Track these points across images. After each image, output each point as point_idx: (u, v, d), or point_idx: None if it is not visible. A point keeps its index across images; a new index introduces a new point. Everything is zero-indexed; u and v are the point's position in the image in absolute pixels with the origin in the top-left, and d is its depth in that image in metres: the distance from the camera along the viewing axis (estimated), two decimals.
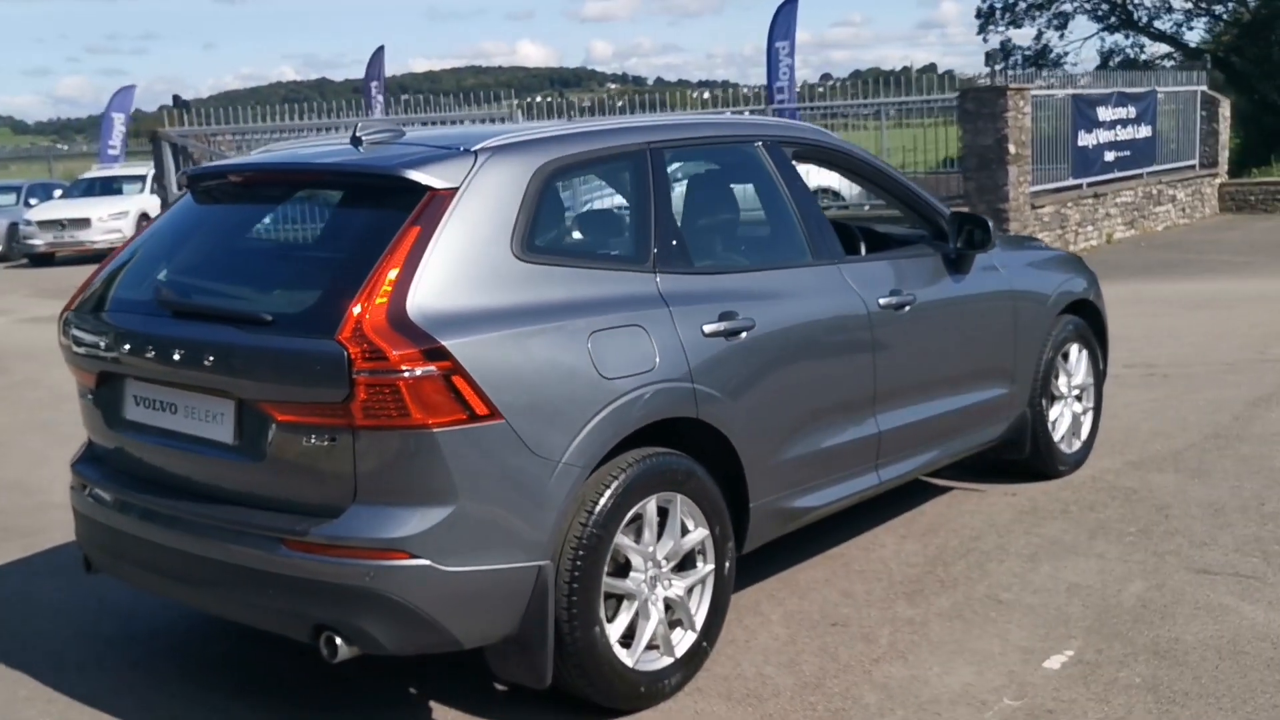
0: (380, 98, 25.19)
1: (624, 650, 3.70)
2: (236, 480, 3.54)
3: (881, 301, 4.68)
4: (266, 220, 4.07)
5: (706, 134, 4.50)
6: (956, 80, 18.49)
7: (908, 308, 4.77)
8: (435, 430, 3.26)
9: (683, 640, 3.87)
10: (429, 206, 3.46)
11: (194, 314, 3.67)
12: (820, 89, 19.17)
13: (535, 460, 3.43)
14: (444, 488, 3.30)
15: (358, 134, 3.94)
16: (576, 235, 3.85)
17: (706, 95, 16.30)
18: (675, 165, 4.25)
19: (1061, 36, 30.60)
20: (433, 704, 3.92)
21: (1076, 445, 6.00)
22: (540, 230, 3.67)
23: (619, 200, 4.20)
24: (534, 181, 3.69)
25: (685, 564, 3.92)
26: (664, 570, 3.81)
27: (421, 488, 3.30)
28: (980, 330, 5.25)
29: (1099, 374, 6.14)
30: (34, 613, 4.86)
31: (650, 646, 3.79)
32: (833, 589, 4.67)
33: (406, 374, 3.22)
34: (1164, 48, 27.56)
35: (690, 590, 3.90)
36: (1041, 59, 28.07)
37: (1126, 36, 28.84)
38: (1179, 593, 4.45)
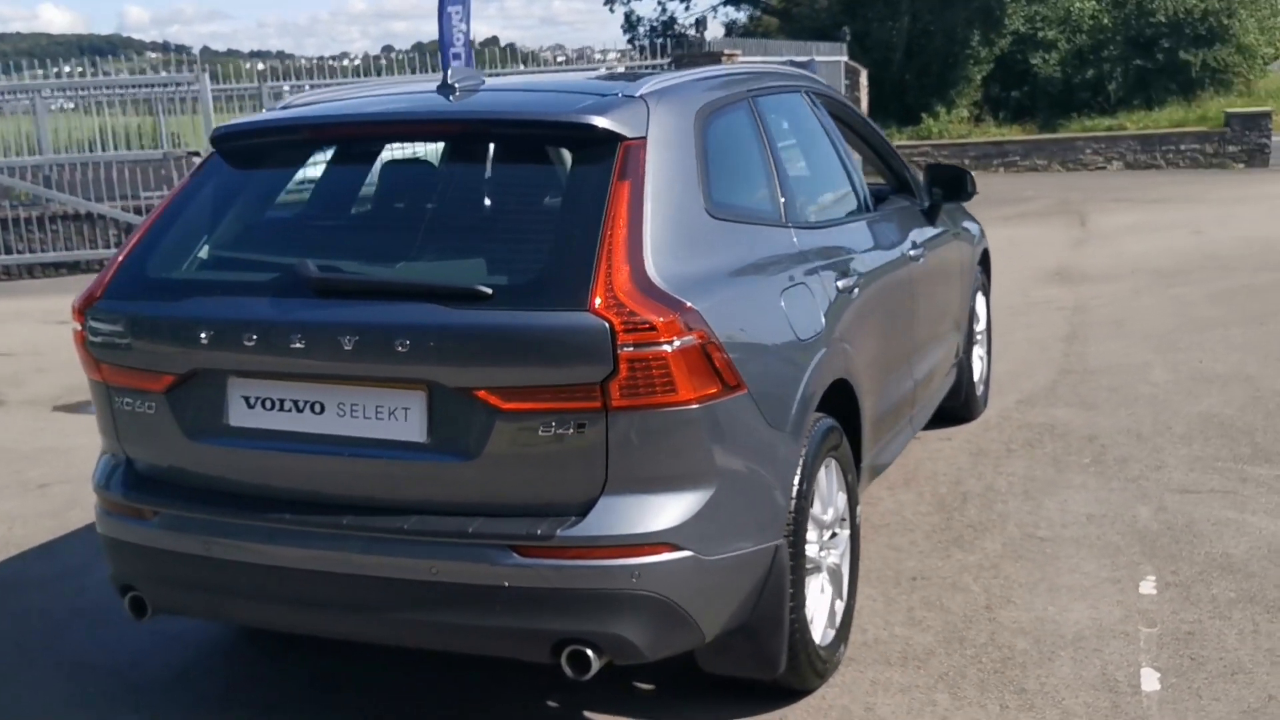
0: None
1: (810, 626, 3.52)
2: (431, 485, 3.02)
3: (911, 252, 4.71)
4: (394, 179, 3.46)
5: (773, 83, 4.29)
6: (519, 52, 18.55)
7: (922, 258, 4.82)
8: (697, 406, 2.93)
9: (837, 610, 3.74)
10: (627, 158, 3.09)
11: (361, 292, 3.07)
12: (383, 60, 18.45)
13: (770, 432, 3.18)
14: (704, 470, 2.99)
15: (450, 80, 3.46)
16: (732, 189, 3.56)
17: (261, 66, 15.43)
18: (770, 115, 4.04)
19: (687, 9, 32.10)
20: (588, 714, 3.56)
21: (981, 388, 6.33)
22: (713, 183, 3.38)
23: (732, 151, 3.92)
24: (697, 129, 3.40)
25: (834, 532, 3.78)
26: (825, 539, 3.66)
27: (681, 472, 2.96)
28: (948, 279, 5.40)
29: (989, 318, 6.50)
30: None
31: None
32: (876, 545, 4.66)
33: (672, 345, 2.87)
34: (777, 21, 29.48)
35: (840, 558, 3.77)
36: (669, 30, 29.21)
37: (739, 8, 30.69)
38: (1185, 514, 4.80)
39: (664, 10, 31.66)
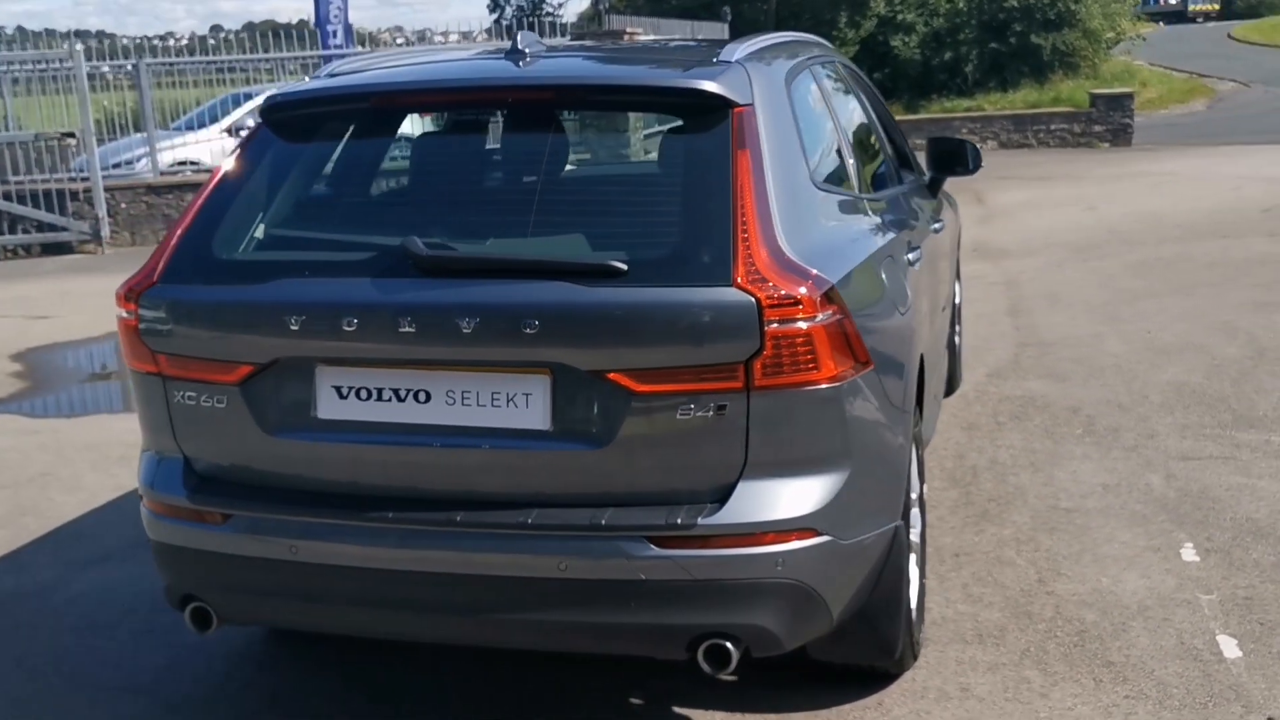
0: None
1: None
2: (556, 475, 2.82)
3: (935, 225, 4.67)
4: (486, 150, 3.20)
5: (817, 52, 4.17)
6: (355, 34, 18.06)
7: (936, 231, 4.79)
8: (836, 384, 2.80)
9: (915, 589, 3.66)
10: (742, 125, 2.94)
11: (481, 271, 2.83)
12: (211, 40, 17.68)
13: (891, 409, 3.08)
14: (841, 451, 2.86)
15: (520, 46, 3.25)
16: (820, 157, 3.41)
17: (80, 46, 14.75)
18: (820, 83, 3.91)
19: None
20: (677, 709, 3.41)
21: (958, 362, 6.36)
22: (808, 150, 3.24)
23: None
24: (788, 96, 3.26)
25: None
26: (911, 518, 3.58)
27: (819, 453, 2.83)
28: (950, 252, 5.39)
29: (961, 292, 6.54)
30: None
31: None
32: None
33: (816, 320, 2.74)
34: None
35: (919, 536, 3.69)
36: (538, 10, 28.89)
37: None
38: (1195, 480, 4.88)
39: None
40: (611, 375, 2.74)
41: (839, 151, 3.66)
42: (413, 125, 3.31)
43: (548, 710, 3.45)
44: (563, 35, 17.13)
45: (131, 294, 3.08)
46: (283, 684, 3.68)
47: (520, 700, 3.51)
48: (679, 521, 2.74)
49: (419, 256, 2.80)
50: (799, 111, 3.30)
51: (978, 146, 5.16)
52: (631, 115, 3.13)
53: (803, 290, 2.73)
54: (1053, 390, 6.22)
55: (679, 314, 2.70)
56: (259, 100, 13.84)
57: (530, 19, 24.09)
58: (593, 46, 3.37)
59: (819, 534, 2.82)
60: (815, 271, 2.80)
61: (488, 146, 3.35)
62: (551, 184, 3.11)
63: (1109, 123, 19.07)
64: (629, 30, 14.07)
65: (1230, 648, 3.58)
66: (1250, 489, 4.76)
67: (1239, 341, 6.88)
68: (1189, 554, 4.22)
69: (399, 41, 22.69)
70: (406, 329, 2.77)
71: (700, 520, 2.74)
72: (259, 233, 3.12)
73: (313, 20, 16.82)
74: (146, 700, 3.62)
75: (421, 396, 2.85)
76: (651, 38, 14.78)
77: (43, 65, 14.01)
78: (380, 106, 3.21)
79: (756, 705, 3.42)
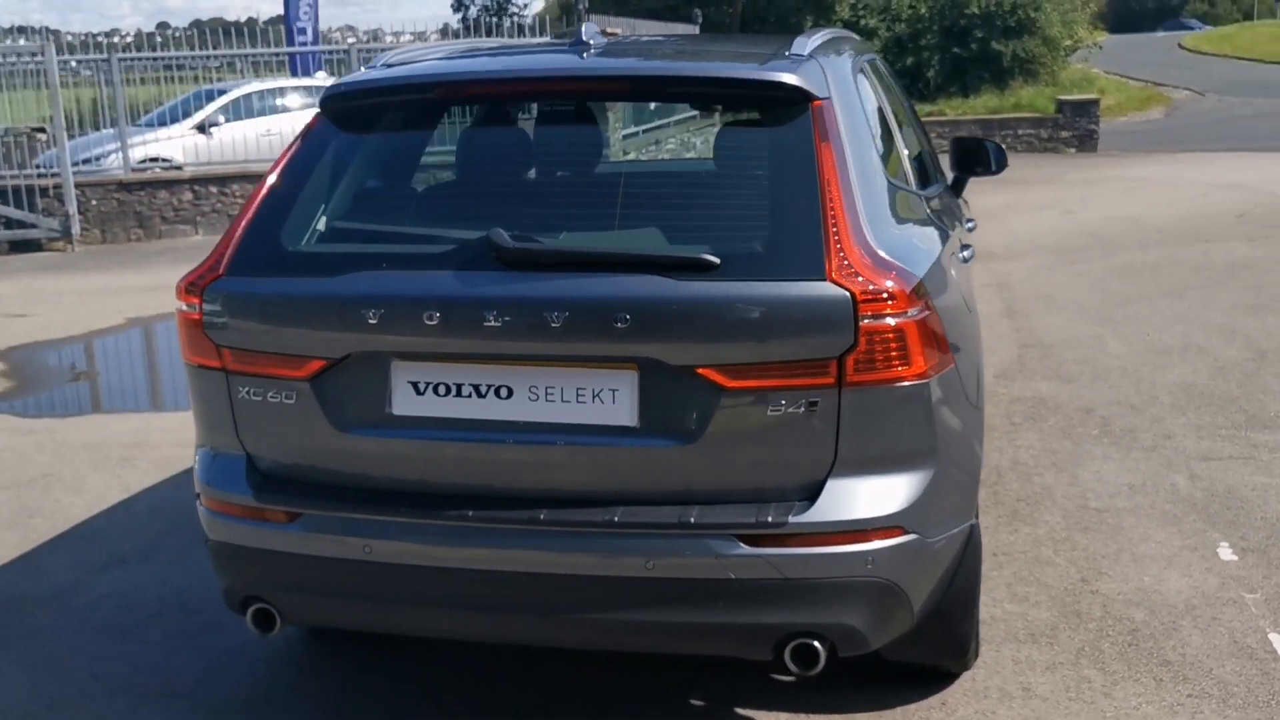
0: None
1: None
2: (642, 472, 2.77)
3: (969, 225, 4.66)
4: (558, 142, 3.14)
5: (863, 49, 4.14)
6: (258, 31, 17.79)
7: (971, 230, 4.78)
8: (926, 380, 2.78)
9: None
10: (823, 118, 2.91)
11: (569, 264, 2.77)
12: (159, 38, 17.38)
13: (968, 406, 3.07)
14: (928, 447, 2.83)
15: (585, 38, 3.20)
16: (885, 152, 3.38)
17: (24, 42, 14.50)
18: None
19: None
20: (739, 710, 3.36)
21: None
22: (878, 144, 3.21)
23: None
24: (857, 90, 3.23)
25: None
26: None
27: (907, 450, 2.80)
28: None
29: None
30: None
31: None
32: None
33: (908, 315, 2.71)
34: None
35: None
36: (504, 10, 28.74)
37: None
38: (1219, 480, 4.91)
39: None
40: (701, 370, 2.69)
41: (895, 147, 3.64)
42: (482, 117, 3.24)
43: (604, 711, 3.40)
44: (524, 36, 16.94)
45: (194, 287, 2.99)
46: (329, 687, 3.59)
47: (573, 701, 3.45)
48: (770, 519, 2.70)
49: (505, 249, 2.74)
50: (866, 107, 3.28)
51: (1001, 146, 5.15)
52: (707, 108, 3.07)
53: (895, 285, 2.70)
54: (1062, 391, 6.24)
55: (773, 308, 2.66)
56: (230, 96, 13.58)
57: (495, 19, 23.96)
58: (652, 40, 3.32)
59: (907, 532, 2.79)
60: (903, 266, 2.77)
61: (562, 138, 3.29)
62: (630, 176, 3.05)
63: (1075, 129, 19.28)
64: (610, 30, 14.06)
65: None
66: (1276, 489, 4.79)
67: (1238, 344, 6.95)
68: (1226, 553, 4.24)
69: (349, 41, 22.43)
70: (492, 323, 2.71)
71: (791, 518, 2.71)
72: (327, 224, 3.05)
73: (261, 17, 16.63)
74: (187, 706, 3.52)
75: (503, 392, 2.79)
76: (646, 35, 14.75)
77: (12, 59, 13.71)
78: (450, 97, 3.15)
79: (819, 706, 3.38)
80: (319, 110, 3.18)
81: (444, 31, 21.86)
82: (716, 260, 2.68)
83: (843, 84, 3.12)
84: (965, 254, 3.76)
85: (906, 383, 2.74)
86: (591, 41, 3.22)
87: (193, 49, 15.26)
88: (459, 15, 29.18)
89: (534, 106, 3.27)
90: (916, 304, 2.73)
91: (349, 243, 3.02)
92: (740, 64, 3.07)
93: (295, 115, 14.87)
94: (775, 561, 2.71)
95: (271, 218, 3.00)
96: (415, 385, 2.83)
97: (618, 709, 3.41)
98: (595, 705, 3.43)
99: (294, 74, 17.03)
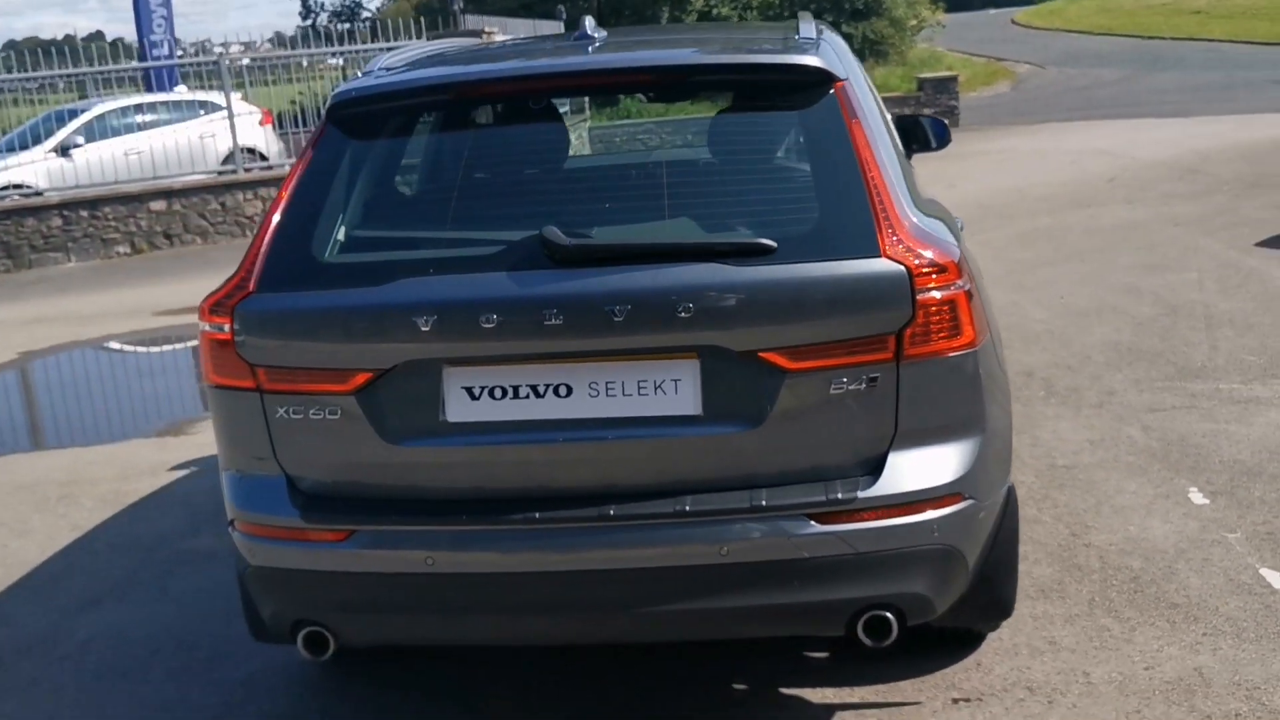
0: None
1: None
2: (709, 459, 2.77)
3: None
4: (587, 135, 3.09)
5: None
6: (123, 46, 17.40)
7: None
8: (974, 349, 2.85)
9: None
10: (848, 98, 2.96)
11: (627, 257, 2.75)
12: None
13: (1000, 371, 3.14)
14: (977, 415, 2.90)
15: (589, 31, 3.20)
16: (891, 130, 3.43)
17: None
18: None
19: None
20: (784, 691, 3.40)
21: None
22: (886, 124, 3.27)
23: None
24: (860, 70, 3.29)
25: None
26: None
27: (960, 419, 2.87)
28: None
29: None
30: None
31: None
32: None
33: (958, 286, 2.78)
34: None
35: None
36: (354, 15, 28.23)
37: None
38: (1171, 430, 5.12)
39: None
40: (764, 355, 2.71)
41: (889, 126, 3.70)
42: (505, 116, 3.19)
43: (657, 702, 3.39)
44: (443, 28, 16.54)
45: (222, 307, 2.88)
46: (362, 707, 3.51)
47: (615, 700, 3.44)
48: (839, 496, 2.74)
49: (561, 246, 2.71)
50: (869, 86, 3.34)
51: (944, 121, 5.27)
52: (732, 95, 3.09)
53: (944, 257, 2.77)
54: (1021, 360, 6.42)
55: (833, 288, 2.70)
56: (88, 116, 13.02)
57: (347, 24, 23.56)
58: (654, 34, 3.33)
59: (965, 498, 2.86)
60: (942, 238, 2.84)
61: (588, 132, 3.26)
62: (664, 166, 3.05)
63: (937, 105, 19.80)
64: (486, 30, 13.91)
65: (1278, 580, 3.78)
66: (1224, 434, 5.03)
67: (1148, 301, 7.26)
68: (1197, 498, 4.44)
69: (178, 54, 21.76)
70: (553, 321, 2.68)
71: (860, 493, 2.75)
72: (357, 233, 2.97)
73: (79, 35, 16.03)
74: None
75: (562, 391, 2.77)
76: (504, 37, 14.69)
77: None
78: (469, 97, 3.09)
79: (860, 678, 3.43)
80: (325, 118, 3.09)
81: (276, 40, 21.28)
82: (774, 244, 2.70)
83: (851, 64, 3.18)
84: (959, 223, 3.85)
85: (958, 353, 2.81)
86: (595, 36, 3.21)
87: (10, 71, 14.62)
88: (308, 21, 28.57)
89: (559, 102, 3.24)
90: (963, 275, 2.81)
91: (384, 250, 2.95)
92: (758, 50, 3.09)
93: (163, 132, 14.39)
94: (847, 537, 2.75)
95: (296, 230, 2.91)
96: (470, 390, 2.79)
97: (660, 705, 3.41)
98: (637, 702, 3.42)
99: (150, 89, 16.46)
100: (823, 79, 2.96)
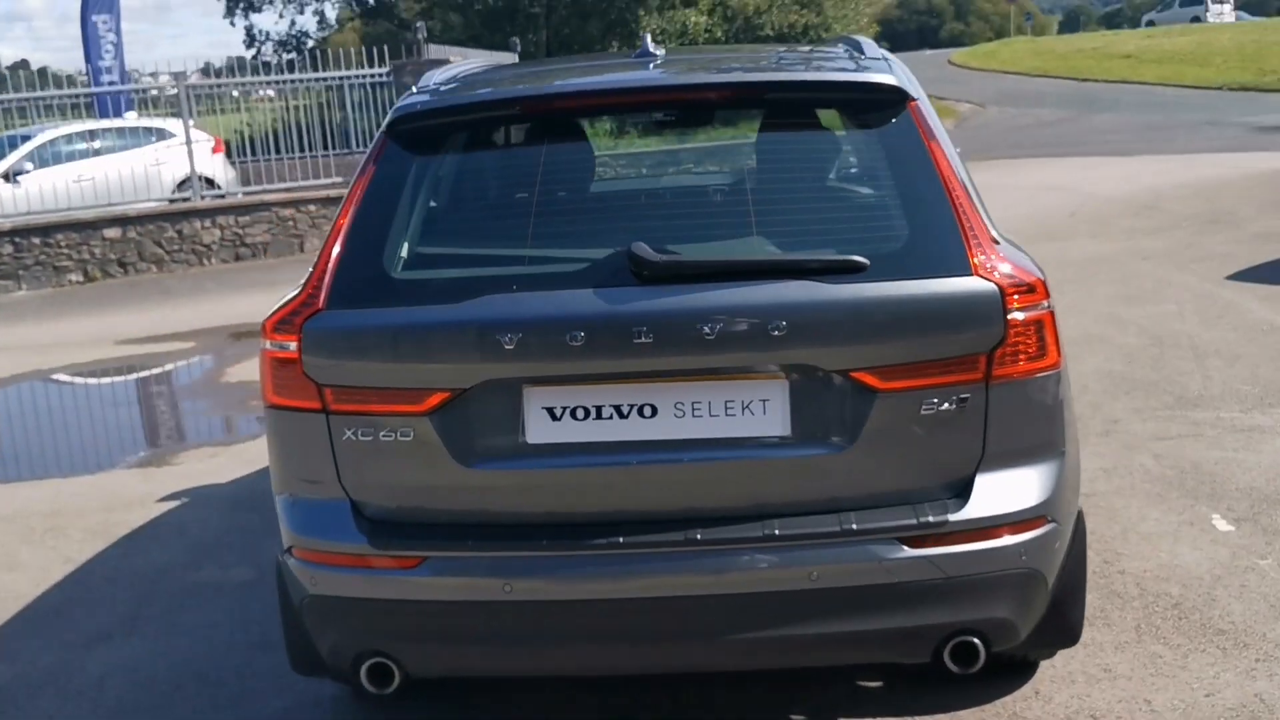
0: None
1: None
2: (797, 482, 2.72)
3: None
4: (663, 152, 3.03)
5: None
6: (51, 75, 17.18)
7: None
8: (1056, 370, 2.83)
9: None
10: (922, 117, 2.95)
11: (718, 275, 2.68)
12: None
13: (1069, 393, 3.11)
14: (1058, 437, 2.89)
15: (650, 49, 3.17)
16: None
17: None
18: None
19: (320, 24, 30.82)
20: None
21: None
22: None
23: None
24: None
25: None
26: None
27: (1043, 440, 2.85)
28: None
29: None
30: None
31: None
32: None
33: (1044, 306, 2.77)
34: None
35: None
36: (300, 44, 27.96)
37: (374, 23, 29.85)
38: (1184, 458, 5.15)
39: (293, 25, 30.50)
40: (855, 374, 2.67)
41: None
42: (577, 132, 3.13)
43: None
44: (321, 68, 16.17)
45: (287, 324, 2.78)
46: None
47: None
48: (930, 519, 2.69)
49: (651, 263, 2.64)
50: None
51: None
52: (808, 113, 3.06)
53: (1031, 277, 2.75)
54: None
55: (926, 306, 2.67)
56: (37, 142, 12.75)
57: (293, 53, 23.36)
58: (707, 53, 3.30)
59: (1048, 520, 2.84)
60: (1023, 257, 2.82)
61: (663, 150, 3.21)
62: (745, 183, 3.00)
63: None
64: (452, 59, 13.83)
65: None
66: (1235, 461, 5.07)
67: (1133, 332, 7.34)
68: (1222, 525, 4.46)
69: (174, 73, 21.32)
70: (643, 340, 2.61)
71: (950, 516, 2.70)
72: (430, 249, 2.89)
73: (108, 54, 15.75)
74: None
75: (646, 411, 2.70)
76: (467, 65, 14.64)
77: None
78: (540, 112, 3.03)
79: (919, 708, 3.37)
80: (385, 133, 3.00)
81: (205, 70, 20.85)
82: (866, 261, 2.66)
83: (919, 86, 3.16)
84: None
85: (1043, 374, 2.79)
86: (657, 54, 3.17)
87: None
88: (251, 50, 28.28)
89: (632, 118, 3.19)
90: (1048, 295, 2.79)
91: (459, 267, 2.87)
92: (834, 69, 3.07)
93: (114, 158, 14.10)
94: (937, 561, 2.70)
95: (365, 246, 2.82)
96: (551, 411, 2.71)
97: None
98: None
99: (102, 115, 16.14)
100: (899, 98, 2.94)
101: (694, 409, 2.70)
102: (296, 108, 15.18)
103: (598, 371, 2.69)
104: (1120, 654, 3.59)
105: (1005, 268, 2.74)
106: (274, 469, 2.98)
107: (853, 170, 3.05)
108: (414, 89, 3.20)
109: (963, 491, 2.75)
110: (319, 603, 2.86)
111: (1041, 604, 2.90)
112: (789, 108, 3.04)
